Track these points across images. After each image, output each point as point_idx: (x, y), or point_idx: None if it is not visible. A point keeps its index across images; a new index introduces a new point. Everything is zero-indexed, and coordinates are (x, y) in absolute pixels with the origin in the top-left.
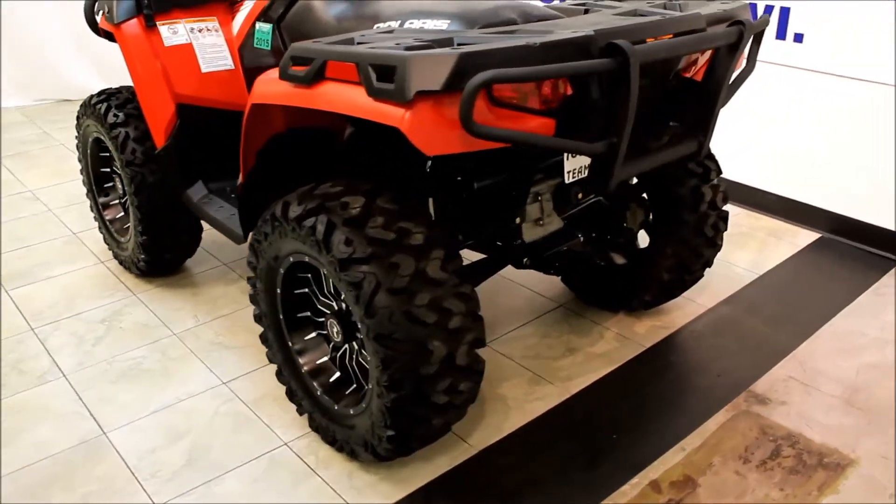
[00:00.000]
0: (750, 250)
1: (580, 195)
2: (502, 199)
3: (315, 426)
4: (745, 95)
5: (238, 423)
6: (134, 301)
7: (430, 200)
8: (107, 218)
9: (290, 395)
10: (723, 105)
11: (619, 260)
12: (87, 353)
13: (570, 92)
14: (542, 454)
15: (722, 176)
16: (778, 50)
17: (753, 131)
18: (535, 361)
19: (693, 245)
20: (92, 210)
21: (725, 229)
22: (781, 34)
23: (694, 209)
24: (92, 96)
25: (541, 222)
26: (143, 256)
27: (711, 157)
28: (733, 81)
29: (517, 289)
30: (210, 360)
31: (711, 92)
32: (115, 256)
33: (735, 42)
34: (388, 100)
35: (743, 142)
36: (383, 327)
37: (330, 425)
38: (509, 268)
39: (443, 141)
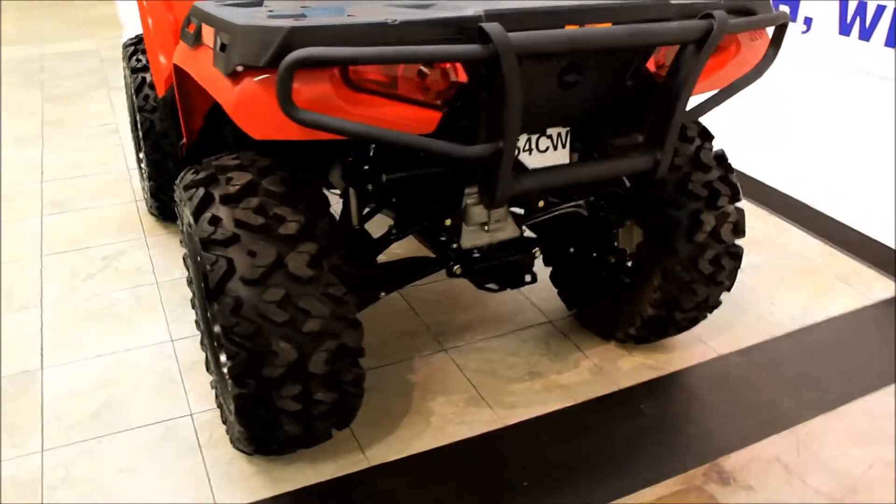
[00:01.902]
0: (805, 293)
1: (541, 202)
2: (429, 195)
3: (218, 402)
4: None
5: (162, 383)
6: (141, 244)
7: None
8: (140, 158)
9: (207, 365)
10: (699, 114)
11: (605, 282)
12: (73, 289)
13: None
14: (434, 487)
15: (786, 196)
16: None
17: (852, 155)
18: (485, 379)
19: (683, 280)
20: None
21: (734, 267)
22: None
23: (689, 238)
24: (129, 39)
25: (486, 227)
26: (153, 201)
27: (726, 180)
28: (737, 82)
29: (511, 294)
30: (172, 316)
31: (670, 97)
32: (144, 198)
33: (700, 38)
34: (222, 73)
35: (835, 165)
36: (226, 318)
37: (224, 405)
38: None
39: (271, 124)
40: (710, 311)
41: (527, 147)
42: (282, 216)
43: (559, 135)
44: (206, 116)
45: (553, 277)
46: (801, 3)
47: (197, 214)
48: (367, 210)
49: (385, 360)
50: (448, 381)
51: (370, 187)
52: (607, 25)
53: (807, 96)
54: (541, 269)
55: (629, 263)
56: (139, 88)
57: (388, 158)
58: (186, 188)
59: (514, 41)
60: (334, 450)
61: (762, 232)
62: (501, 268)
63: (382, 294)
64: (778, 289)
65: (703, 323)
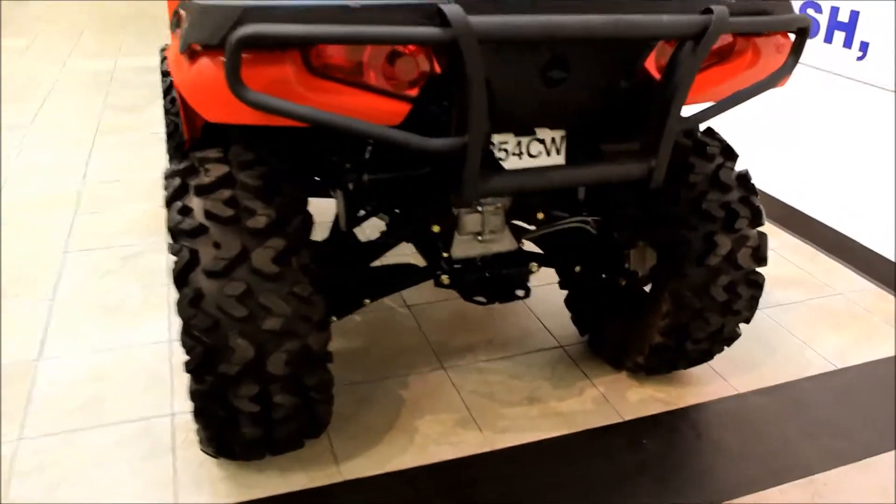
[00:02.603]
0: (846, 335)
1: (539, 214)
2: (417, 200)
3: None
4: None
5: (152, 382)
6: (161, 246)
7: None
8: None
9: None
10: (699, 120)
11: (616, 307)
12: (88, 285)
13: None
14: None
15: (838, 233)
16: None
17: None
18: (480, 401)
19: (694, 307)
20: None
21: (753, 296)
22: None
23: (700, 262)
24: (167, 44)
25: (480, 238)
26: None
27: (747, 201)
28: (746, 90)
29: (524, 316)
30: (176, 317)
31: (665, 99)
32: None
33: (696, 35)
34: (180, 52)
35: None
36: (184, 310)
37: None
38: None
39: (225, 107)
40: (727, 345)
41: (516, 151)
42: (252, 209)
43: (553, 140)
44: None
45: (567, 301)
46: (857, 27)
47: (169, 203)
48: (362, 214)
49: (380, 375)
50: (441, 400)
51: (351, 187)
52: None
53: (865, 128)
54: (557, 293)
55: (642, 287)
56: (167, 91)
57: (374, 158)
58: (167, 178)
59: (475, 25)
60: (308, 460)
61: (807, 269)
62: (492, 280)
63: (367, 301)
64: (816, 330)
65: (726, 359)
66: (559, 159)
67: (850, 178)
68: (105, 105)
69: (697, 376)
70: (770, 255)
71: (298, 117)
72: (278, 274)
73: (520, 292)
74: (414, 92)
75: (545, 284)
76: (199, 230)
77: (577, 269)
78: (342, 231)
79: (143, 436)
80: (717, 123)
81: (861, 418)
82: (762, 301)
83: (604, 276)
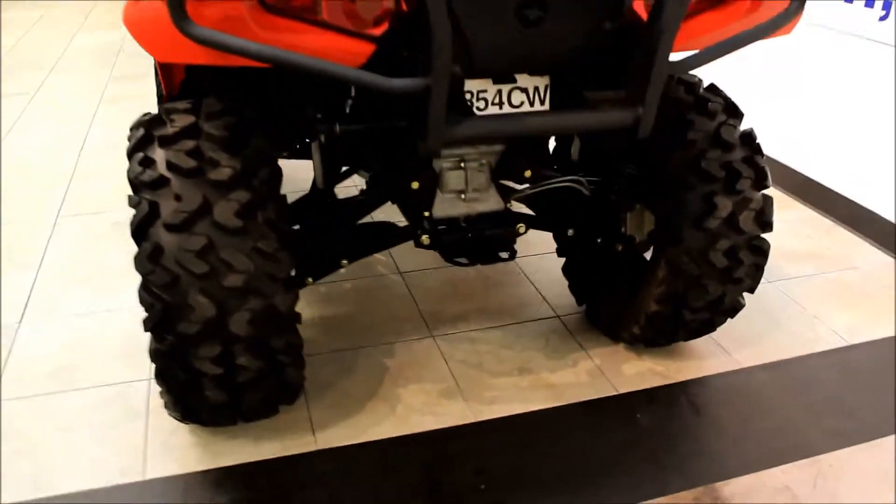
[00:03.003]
0: (860, 311)
1: (527, 172)
2: (394, 154)
3: None
4: None
5: (128, 347)
6: None
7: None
8: None
9: None
10: (690, 66)
11: (613, 274)
12: (76, 251)
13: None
14: (378, 479)
15: (859, 206)
16: None
17: None
18: (468, 371)
19: (691, 274)
20: None
21: (756, 264)
22: None
23: (699, 225)
24: None
25: (464, 196)
26: None
27: (751, 161)
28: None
29: (522, 285)
30: None
31: (651, 42)
32: None
33: None
34: None
35: None
36: (143, 265)
37: None
38: (528, 257)
39: (174, 45)
40: (730, 316)
41: (496, 100)
42: (216, 161)
43: (536, 88)
44: (187, 69)
45: (564, 268)
46: None
47: (130, 154)
48: (343, 171)
49: (365, 342)
50: (427, 370)
51: (323, 139)
52: None
53: (888, 93)
54: (557, 260)
55: (641, 253)
56: (156, 71)
57: (348, 109)
58: (132, 129)
59: None
60: (284, 428)
61: (823, 242)
62: (474, 241)
63: (345, 262)
64: (828, 304)
65: (729, 332)
66: (543, 110)
67: (870, 147)
68: (111, 76)
69: (699, 349)
70: (784, 226)
71: (250, 55)
72: (241, 228)
73: (504, 254)
74: (378, 31)
75: (546, 252)
76: (160, 182)
77: (570, 232)
78: (320, 188)
79: (116, 400)
80: (730, 89)
81: (869, 397)
82: (772, 273)
83: (599, 241)
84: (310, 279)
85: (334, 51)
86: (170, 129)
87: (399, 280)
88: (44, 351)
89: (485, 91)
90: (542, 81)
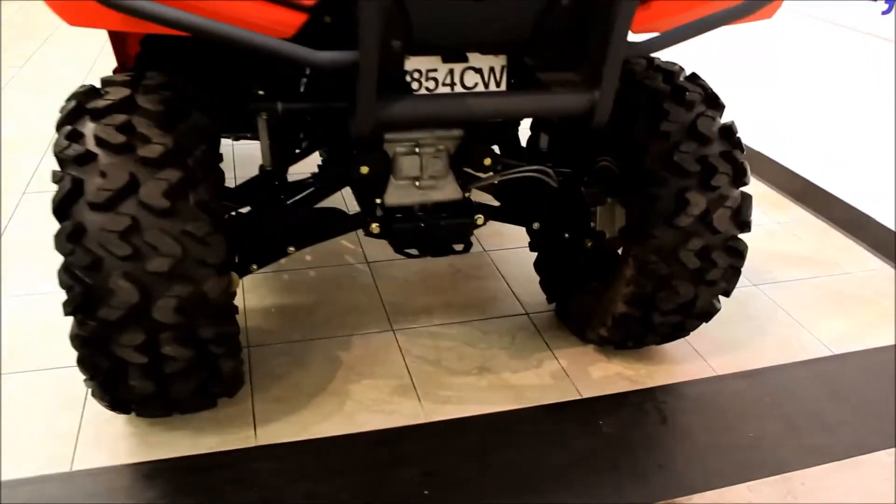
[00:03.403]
0: (849, 318)
1: (486, 160)
2: (343, 136)
3: None
4: None
5: None
6: None
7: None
8: None
9: None
10: (651, 49)
11: (581, 272)
12: (37, 227)
13: None
14: (316, 479)
15: (856, 210)
16: None
17: None
18: (425, 368)
19: (660, 274)
20: None
21: (732, 266)
22: None
23: (669, 222)
24: None
25: (418, 184)
26: None
27: (729, 156)
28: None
29: (493, 279)
30: None
31: (607, 20)
32: None
33: None
34: None
35: None
36: (62, 245)
37: None
38: (501, 251)
39: (86, 10)
40: (703, 320)
41: (447, 80)
42: (146, 137)
43: (492, 69)
44: (144, 43)
45: (536, 264)
46: None
47: (59, 127)
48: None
49: (322, 334)
50: (382, 365)
51: (265, 117)
52: None
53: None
54: (530, 256)
55: (612, 250)
56: None
57: (291, 86)
58: (67, 101)
59: None
60: (225, 421)
61: (816, 246)
62: (426, 231)
63: (291, 249)
64: (816, 311)
65: (708, 337)
66: (487, 91)
67: (870, 149)
68: (104, 51)
69: (672, 354)
70: (777, 228)
71: (165, 22)
72: (170, 209)
73: (458, 246)
74: (311, 1)
75: (520, 247)
76: (87, 157)
77: (535, 226)
78: (267, 170)
79: (55, 386)
80: (726, 84)
81: (852, 411)
82: (759, 276)
83: (567, 236)
84: (254, 266)
85: (260, 20)
86: (101, 102)
87: (366, 270)
88: None
89: (434, 70)
90: (497, 62)
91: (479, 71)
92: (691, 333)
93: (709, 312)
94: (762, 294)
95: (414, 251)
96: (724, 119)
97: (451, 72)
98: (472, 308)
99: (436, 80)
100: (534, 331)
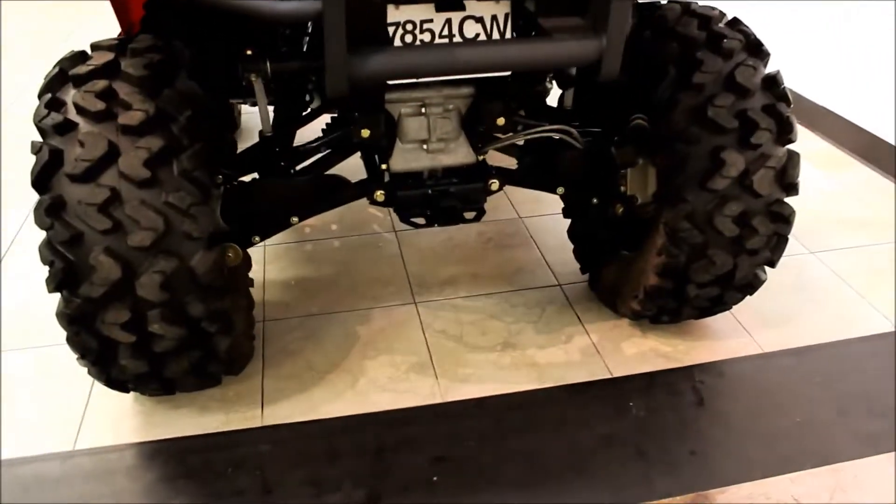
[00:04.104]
0: None
1: (499, 119)
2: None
3: None
4: None
5: None
6: None
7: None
8: None
9: None
10: None
11: (613, 240)
12: None
13: None
14: (318, 463)
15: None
16: None
17: None
18: (446, 343)
19: (694, 242)
20: None
21: (778, 233)
22: None
23: (702, 185)
24: None
25: (426, 147)
26: None
27: (773, 111)
28: None
29: (525, 248)
30: None
31: None
32: None
33: None
34: None
35: None
36: (40, 219)
37: None
38: (536, 217)
39: None
40: (747, 293)
41: (445, 32)
42: (127, 104)
43: (494, 17)
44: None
45: (569, 232)
46: None
47: (40, 95)
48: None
49: (342, 307)
50: (400, 340)
51: (254, 79)
52: None
53: None
54: (564, 223)
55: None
56: None
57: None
58: (52, 67)
59: None
60: (232, 399)
61: (882, 209)
62: (434, 198)
63: (294, 220)
64: (879, 281)
65: (755, 309)
66: (477, 41)
67: None
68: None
69: (714, 328)
70: (838, 190)
71: None
72: (151, 180)
73: (469, 214)
74: None
75: (558, 213)
76: (66, 126)
77: (560, 191)
78: (267, 136)
79: (58, 363)
80: (773, 34)
81: None
82: (816, 242)
83: (595, 201)
84: (256, 238)
85: None
86: (83, 68)
87: (393, 239)
88: (25, 304)
89: (430, 21)
90: (500, 8)
91: (479, 20)
92: (735, 307)
93: (751, 285)
94: (818, 262)
95: (420, 220)
96: (771, 68)
97: (449, 22)
98: (501, 279)
99: (432, 31)
100: (565, 303)
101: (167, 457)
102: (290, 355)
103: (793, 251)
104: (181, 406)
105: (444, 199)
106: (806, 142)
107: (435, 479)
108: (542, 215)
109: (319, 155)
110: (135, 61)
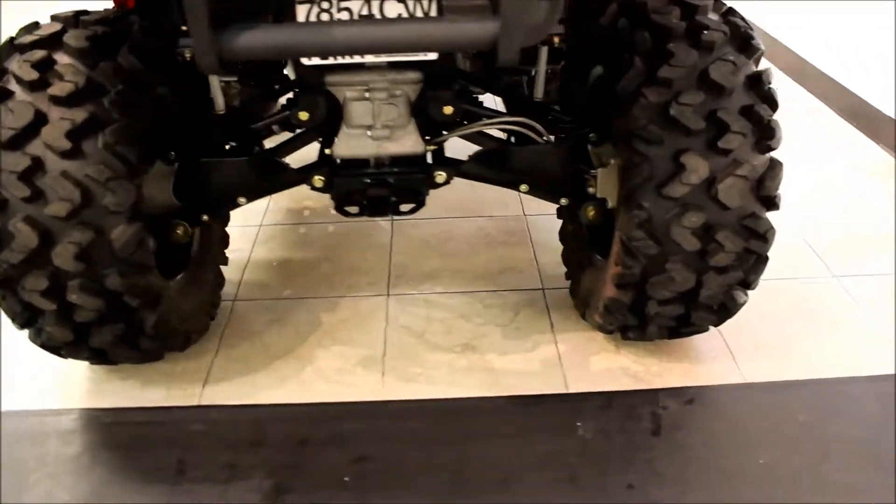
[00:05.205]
0: None
1: (446, 108)
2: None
3: None
4: None
5: None
6: None
7: None
8: None
9: None
10: None
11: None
12: None
13: None
14: (241, 449)
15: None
16: None
17: None
18: (406, 339)
19: (649, 255)
20: None
21: (750, 250)
22: None
23: (659, 191)
24: None
25: (371, 133)
26: None
27: (750, 112)
28: None
29: (521, 247)
30: None
31: None
32: None
33: None
34: None
35: None
36: None
37: None
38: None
39: None
40: (723, 315)
41: (365, 11)
42: (59, 74)
43: None
44: None
45: (560, 233)
46: None
47: None
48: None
49: (314, 293)
50: (361, 332)
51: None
52: None
53: None
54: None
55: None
56: None
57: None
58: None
59: None
60: (178, 376)
61: None
62: (371, 187)
63: (242, 200)
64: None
65: (752, 334)
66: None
67: None
68: None
69: (699, 351)
70: (885, 206)
71: None
72: (73, 151)
73: (406, 206)
74: None
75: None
76: (3, 94)
77: (524, 188)
78: (220, 114)
79: None
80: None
81: None
82: (841, 266)
83: (564, 202)
84: (205, 216)
85: None
86: (28, 38)
87: (387, 227)
88: None
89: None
90: None
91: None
92: (728, 329)
93: (725, 306)
94: (839, 288)
95: (354, 209)
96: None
97: (368, 1)
98: (484, 277)
99: (349, 10)
100: (542, 309)
101: (99, 426)
102: (248, 337)
103: (813, 273)
104: (129, 377)
105: (378, 188)
106: (863, 151)
107: (347, 479)
108: (549, 214)
109: (284, 138)
110: (77, 33)
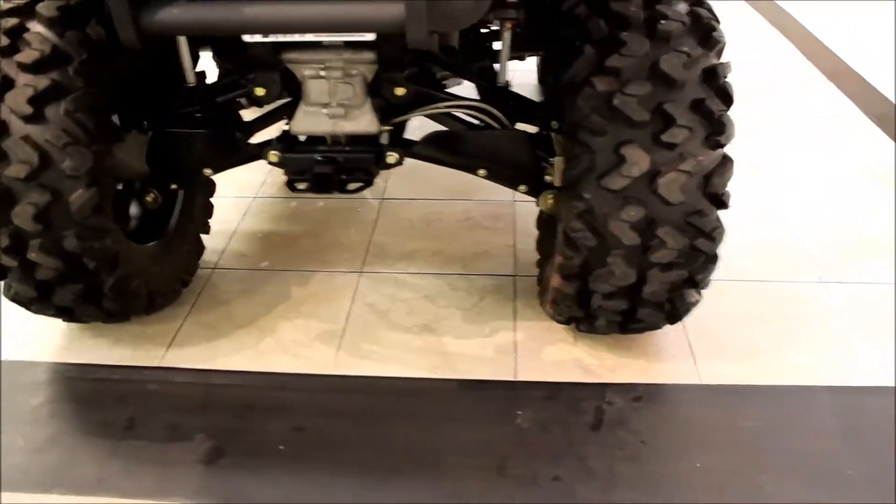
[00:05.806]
0: None
1: (398, 90)
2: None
3: None
4: None
5: None
6: None
7: None
8: None
9: None
10: None
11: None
12: None
13: None
14: (187, 411)
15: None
16: None
17: None
18: (368, 317)
19: (588, 247)
20: None
21: (701, 248)
22: None
23: (599, 183)
24: None
25: (326, 111)
26: None
27: (700, 107)
28: None
29: (504, 232)
30: None
31: None
32: None
33: None
34: None
35: None
36: None
37: None
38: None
39: None
40: (674, 314)
41: None
42: (29, 42)
43: None
44: None
45: (537, 220)
46: None
47: None
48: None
49: (289, 266)
50: (326, 307)
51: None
52: None
53: None
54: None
55: None
56: None
57: None
58: None
59: None
60: (147, 337)
61: None
62: (319, 164)
63: (208, 171)
64: (888, 328)
65: (720, 335)
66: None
67: None
68: None
69: (658, 348)
70: (877, 205)
71: None
72: (34, 116)
73: (353, 185)
74: None
75: None
76: None
77: (482, 172)
78: (189, 86)
79: None
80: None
81: (866, 465)
82: (832, 271)
83: (522, 188)
84: (174, 185)
85: None
86: (5, 5)
87: (376, 206)
88: None
89: None
90: None
91: None
92: (693, 329)
93: (674, 304)
94: (825, 294)
95: (302, 185)
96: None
97: None
98: (459, 260)
99: None
100: (509, 295)
101: (64, 379)
102: (219, 305)
103: (800, 276)
104: (101, 336)
105: (324, 165)
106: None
107: (282, 447)
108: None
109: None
110: (50, 3)
